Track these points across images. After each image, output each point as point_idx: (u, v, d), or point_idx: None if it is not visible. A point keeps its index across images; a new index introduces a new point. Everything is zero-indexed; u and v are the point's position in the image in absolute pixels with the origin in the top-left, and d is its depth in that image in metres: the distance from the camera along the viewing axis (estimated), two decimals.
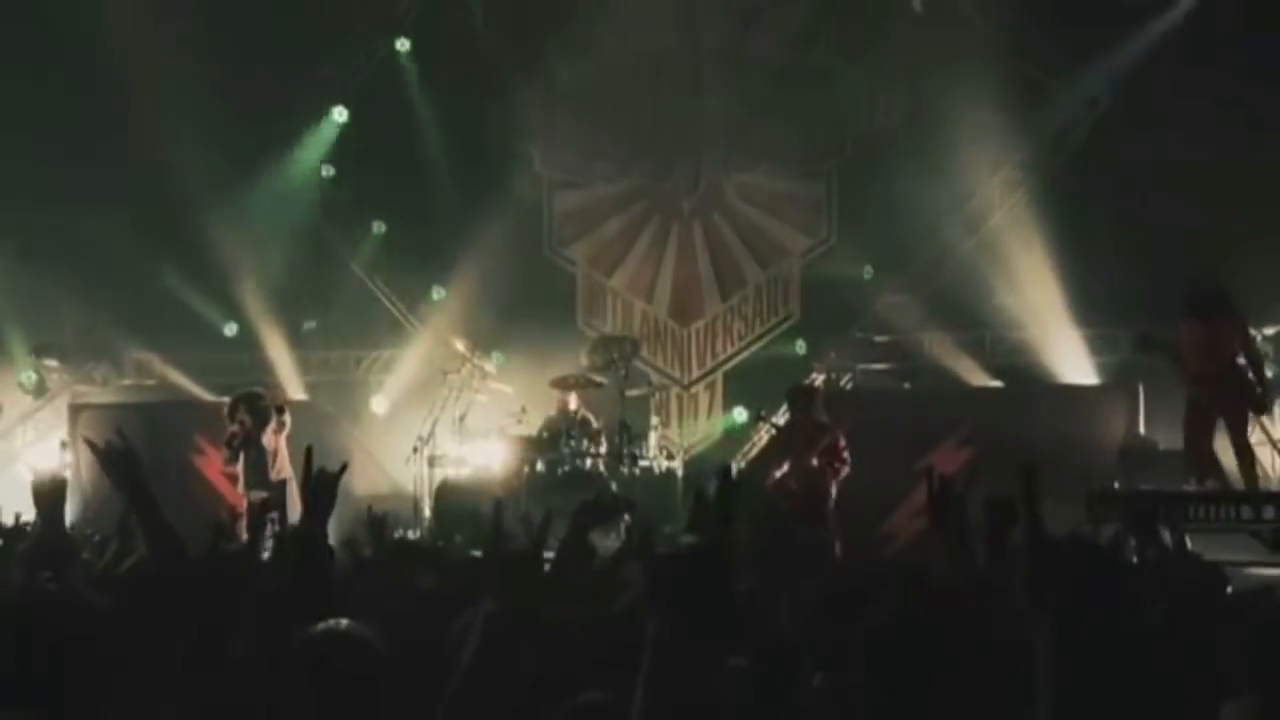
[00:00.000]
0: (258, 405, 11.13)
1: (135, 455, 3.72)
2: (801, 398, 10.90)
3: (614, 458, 12.09)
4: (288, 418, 11.36)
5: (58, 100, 14.12)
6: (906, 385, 14.17)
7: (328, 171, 15.34)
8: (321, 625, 3.27)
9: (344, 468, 3.60)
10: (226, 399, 11.54)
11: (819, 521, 10.11)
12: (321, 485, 3.50)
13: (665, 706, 2.43)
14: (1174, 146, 12.45)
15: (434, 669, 3.29)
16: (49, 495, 4.58)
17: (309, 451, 3.60)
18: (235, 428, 11.03)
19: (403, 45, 15.19)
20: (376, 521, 5.10)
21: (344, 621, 3.29)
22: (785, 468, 10.41)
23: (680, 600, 2.45)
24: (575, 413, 12.47)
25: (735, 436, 14.42)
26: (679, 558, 2.57)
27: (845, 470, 10.41)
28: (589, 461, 12.08)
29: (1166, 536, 5.64)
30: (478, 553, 5.18)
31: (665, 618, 2.45)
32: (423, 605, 4.18)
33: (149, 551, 3.61)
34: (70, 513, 11.13)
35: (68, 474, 9.19)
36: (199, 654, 3.33)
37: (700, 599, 2.47)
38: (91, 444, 3.73)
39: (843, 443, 10.46)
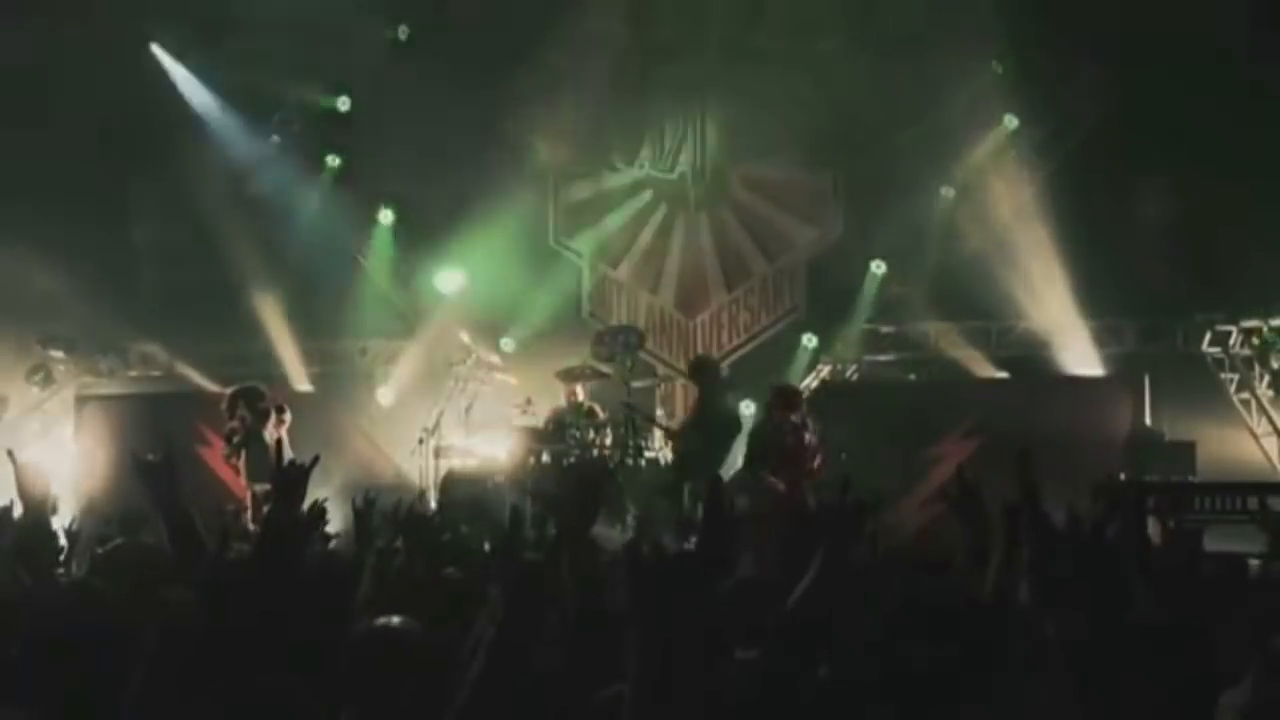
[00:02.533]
0: (256, 401, 11.11)
1: (174, 471, 3.72)
2: (789, 397, 11.06)
3: (619, 449, 12.09)
4: (288, 415, 11.35)
5: (65, 96, 14.10)
6: (912, 377, 14.17)
7: (333, 161, 15.32)
8: (380, 621, 3.31)
9: (315, 460, 3.57)
10: (233, 390, 11.53)
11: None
12: (290, 478, 3.49)
13: (655, 709, 2.41)
14: (1179, 137, 12.44)
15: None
16: (36, 489, 4.51)
17: (279, 444, 3.62)
18: (235, 423, 11.02)
19: (403, 32, 15.13)
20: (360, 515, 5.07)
21: (395, 619, 3.32)
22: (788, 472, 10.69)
23: (664, 609, 2.43)
24: (581, 404, 12.48)
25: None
26: (661, 565, 2.54)
27: (820, 454, 10.75)
28: (594, 453, 12.08)
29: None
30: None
31: (649, 627, 2.43)
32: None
33: (176, 564, 3.62)
34: (74, 507, 11.20)
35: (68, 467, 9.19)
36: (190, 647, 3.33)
37: (683, 607, 2.45)
38: (137, 458, 3.72)
39: (814, 427, 10.83)
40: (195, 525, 3.71)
